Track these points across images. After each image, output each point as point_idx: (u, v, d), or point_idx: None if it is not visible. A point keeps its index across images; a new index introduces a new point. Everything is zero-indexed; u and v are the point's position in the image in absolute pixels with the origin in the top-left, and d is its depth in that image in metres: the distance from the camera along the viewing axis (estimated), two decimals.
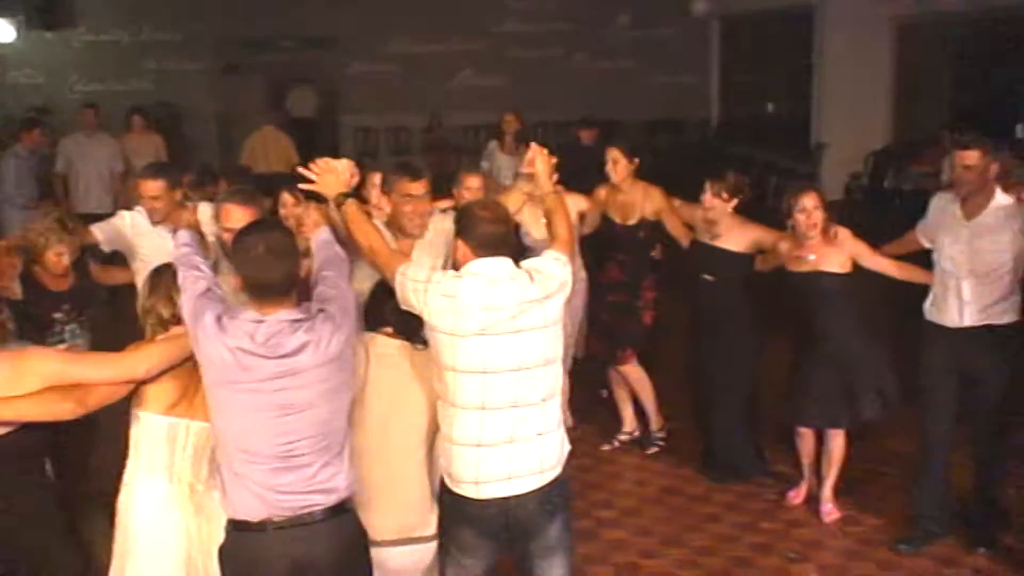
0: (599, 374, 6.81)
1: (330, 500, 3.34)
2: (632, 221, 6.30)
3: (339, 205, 3.92)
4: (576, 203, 6.24)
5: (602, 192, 6.39)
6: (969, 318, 5.01)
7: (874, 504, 5.80)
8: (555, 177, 4.45)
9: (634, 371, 6.52)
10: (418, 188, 4.35)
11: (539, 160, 4.22)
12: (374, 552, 3.80)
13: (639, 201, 6.29)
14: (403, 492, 3.93)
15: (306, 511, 3.30)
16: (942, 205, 5.13)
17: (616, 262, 6.42)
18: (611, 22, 18.01)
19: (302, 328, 3.27)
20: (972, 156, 4.88)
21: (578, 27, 17.87)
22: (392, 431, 3.91)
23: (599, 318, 6.52)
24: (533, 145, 4.33)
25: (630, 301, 6.41)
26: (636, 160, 6.27)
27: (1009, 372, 4.82)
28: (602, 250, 6.50)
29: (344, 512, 3.39)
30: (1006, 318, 4.90)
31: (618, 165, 6.25)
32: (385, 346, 3.92)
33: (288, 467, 3.28)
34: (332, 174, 3.95)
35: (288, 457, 3.28)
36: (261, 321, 3.26)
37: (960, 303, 5.02)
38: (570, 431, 4.02)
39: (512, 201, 4.38)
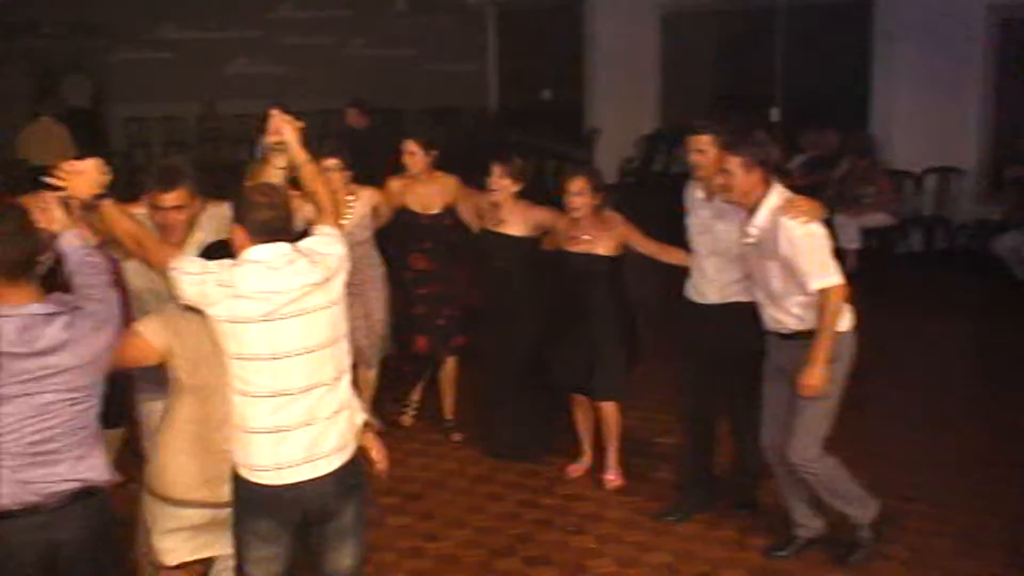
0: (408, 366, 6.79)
1: (82, 487, 3.25)
2: (436, 211, 6.34)
3: (94, 207, 3.76)
4: (370, 197, 6.24)
5: (395, 184, 6.38)
6: (714, 295, 5.25)
7: (647, 474, 6.04)
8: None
9: (452, 362, 6.59)
10: (168, 200, 4.21)
11: (286, 129, 4.07)
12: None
13: (438, 191, 6.34)
14: None
15: (55, 498, 3.19)
16: (691, 189, 5.35)
17: (422, 252, 6.41)
18: (388, 9, 18.00)
19: (59, 323, 3.13)
20: (703, 140, 5.09)
21: (354, 14, 17.76)
22: (218, 397, 3.75)
23: (411, 313, 6.47)
24: (275, 112, 4.15)
25: (445, 289, 6.45)
26: (433, 152, 6.33)
27: (756, 345, 5.05)
28: (405, 242, 6.47)
29: (93, 495, 3.29)
30: (748, 295, 5.09)
31: (415, 157, 6.28)
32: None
33: (38, 463, 3.17)
34: (80, 176, 3.73)
35: (38, 455, 3.17)
36: (10, 316, 3.08)
37: (706, 280, 5.27)
38: (379, 433, 4.05)
39: (271, 178, 4.12)
